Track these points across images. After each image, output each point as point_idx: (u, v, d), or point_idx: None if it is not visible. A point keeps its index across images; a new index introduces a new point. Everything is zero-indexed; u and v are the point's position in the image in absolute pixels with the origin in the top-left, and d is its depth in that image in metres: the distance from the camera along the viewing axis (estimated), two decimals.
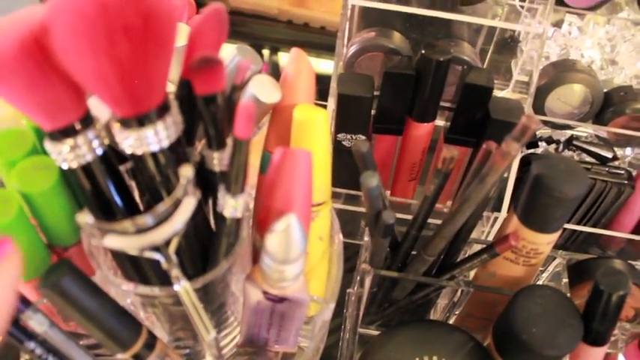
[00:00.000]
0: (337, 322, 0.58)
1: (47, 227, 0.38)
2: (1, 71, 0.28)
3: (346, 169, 0.48)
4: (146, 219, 0.32)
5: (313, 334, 0.45)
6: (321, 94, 0.46)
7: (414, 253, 0.49)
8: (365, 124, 0.54)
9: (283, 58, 0.94)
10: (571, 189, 0.41)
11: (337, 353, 0.60)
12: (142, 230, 0.32)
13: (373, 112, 0.54)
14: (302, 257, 0.35)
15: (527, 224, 0.45)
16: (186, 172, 0.32)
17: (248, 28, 0.91)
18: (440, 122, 0.57)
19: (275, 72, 0.92)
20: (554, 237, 0.45)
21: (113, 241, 0.32)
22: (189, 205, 0.33)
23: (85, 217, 0.31)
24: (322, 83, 0.43)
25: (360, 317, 0.51)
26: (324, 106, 0.58)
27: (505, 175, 0.55)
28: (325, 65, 0.89)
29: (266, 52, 0.95)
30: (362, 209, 0.62)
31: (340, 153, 0.45)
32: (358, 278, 0.51)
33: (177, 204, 0.33)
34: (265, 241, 0.33)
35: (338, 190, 0.59)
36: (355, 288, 0.52)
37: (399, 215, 0.46)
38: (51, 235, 0.39)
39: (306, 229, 0.38)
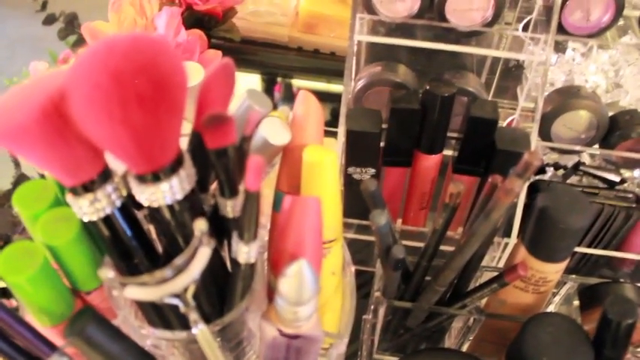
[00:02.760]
0: (354, 347, 0.59)
1: (70, 274, 0.40)
2: (24, 137, 0.29)
3: (357, 201, 0.49)
4: (165, 272, 0.33)
5: None
6: (333, 112, 0.47)
7: (427, 278, 0.51)
8: (374, 158, 0.55)
9: (293, 83, 0.95)
10: (576, 220, 0.42)
11: None
12: (160, 282, 0.34)
13: (382, 144, 0.56)
14: (314, 298, 0.36)
15: (534, 254, 0.45)
16: (201, 225, 0.34)
17: (259, 57, 0.93)
18: (448, 152, 0.58)
19: (289, 97, 0.94)
20: (562, 266, 0.46)
21: (134, 292, 0.34)
22: (204, 255, 0.34)
23: (107, 273, 0.33)
24: (334, 102, 0.44)
25: (376, 345, 0.52)
26: (334, 134, 0.60)
27: (514, 199, 0.56)
28: (335, 88, 0.90)
29: (278, 79, 0.96)
30: (373, 238, 0.63)
31: (351, 186, 0.46)
32: (372, 307, 0.52)
33: (193, 253, 0.34)
34: (278, 284, 0.35)
35: (350, 220, 0.60)
36: (370, 316, 0.53)
37: (412, 243, 0.47)
38: (74, 280, 0.40)
39: (318, 270, 0.39)
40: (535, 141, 0.55)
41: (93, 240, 0.39)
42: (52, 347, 0.36)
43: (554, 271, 0.46)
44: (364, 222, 0.61)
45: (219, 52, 0.71)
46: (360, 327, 0.62)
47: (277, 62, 0.94)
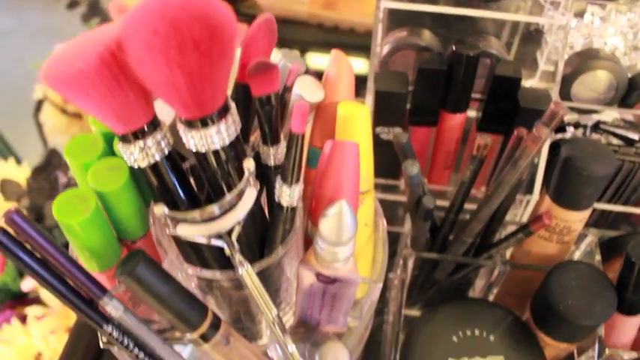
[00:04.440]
0: (378, 306, 0.61)
1: (118, 222, 0.41)
2: (83, 83, 0.31)
3: (383, 161, 0.51)
4: (214, 208, 0.35)
5: (362, 314, 0.48)
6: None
7: (451, 238, 0.53)
8: (401, 118, 0.57)
9: (314, 59, 0.97)
10: (599, 168, 0.44)
11: (380, 336, 0.63)
12: (209, 219, 0.36)
13: (408, 105, 0.58)
14: (353, 239, 0.38)
15: (559, 203, 0.47)
16: (249, 164, 0.36)
17: (280, 32, 0.94)
18: (472, 114, 0.60)
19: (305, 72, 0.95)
20: (585, 214, 0.48)
21: (185, 230, 0.36)
22: (251, 196, 0.36)
23: (162, 208, 0.35)
24: None
25: (404, 299, 0.54)
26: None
27: (536, 160, 0.58)
28: (356, 64, 0.92)
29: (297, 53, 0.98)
30: (399, 198, 0.65)
31: (378, 145, 0.48)
32: (401, 262, 0.54)
33: (239, 195, 0.36)
34: (319, 225, 0.37)
35: (376, 180, 0.62)
36: (398, 272, 0.55)
37: (437, 202, 0.49)
38: (121, 229, 0.42)
39: (356, 210, 0.41)
40: None
41: (140, 191, 0.41)
42: (103, 290, 0.38)
43: (577, 219, 0.48)
44: (390, 182, 0.63)
45: (245, 26, 0.72)
46: (386, 286, 0.64)
47: (298, 38, 0.96)
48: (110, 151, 0.41)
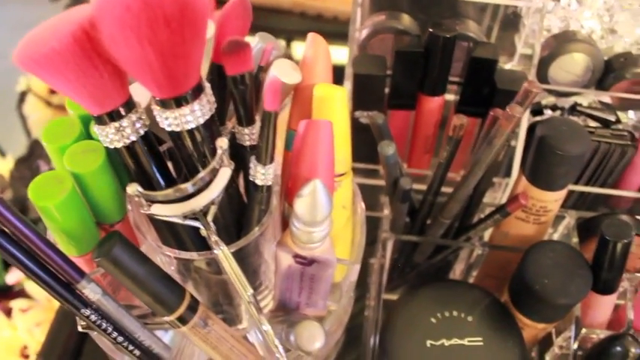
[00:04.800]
0: (358, 293, 0.61)
1: (96, 205, 0.41)
2: (57, 62, 0.31)
3: (363, 145, 0.51)
4: (187, 186, 0.36)
5: (341, 295, 0.48)
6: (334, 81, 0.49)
7: (429, 222, 0.53)
8: (380, 101, 0.57)
9: (298, 48, 0.97)
10: (573, 147, 0.44)
11: (361, 320, 0.64)
12: (183, 198, 0.36)
13: (387, 90, 0.58)
14: (328, 219, 0.38)
15: (535, 183, 0.48)
16: (222, 143, 0.36)
17: (263, 21, 0.95)
18: (450, 97, 0.60)
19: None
20: (561, 194, 0.48)
21: (159, 209, 0.36)
22: (225, 174, 0.36)
23: (135, 187, 0.35)
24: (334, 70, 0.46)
25: (384, 284, 0.54)
26: None
27: (513, 143, 0.58)
28: (339, 53, 0.92)
29: (281, 43, 0.98)
30: (379, 183, 0.65)
31: (357, 130, 0.48)
32: (380, 246, 0.54)
33: (214, 174, 0.37)
34: (294, 204, 0.37)
35: (356, 165, 0.62)
36: (378, 256, 0.55)
37: (416, 186, 0.49)
38: (99, 213, 0.42)
39: (331, 189, 0.41)
40: None
41: (117, 175, 0.41)
42: (81, 273, 0.38)
43: (553, 199, 0.48)
44: (370, 166, 0.63)
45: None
46: (366, 272, 0.64)
47: (280, 26, 0.96)
48: (87, 135, 0.41)
